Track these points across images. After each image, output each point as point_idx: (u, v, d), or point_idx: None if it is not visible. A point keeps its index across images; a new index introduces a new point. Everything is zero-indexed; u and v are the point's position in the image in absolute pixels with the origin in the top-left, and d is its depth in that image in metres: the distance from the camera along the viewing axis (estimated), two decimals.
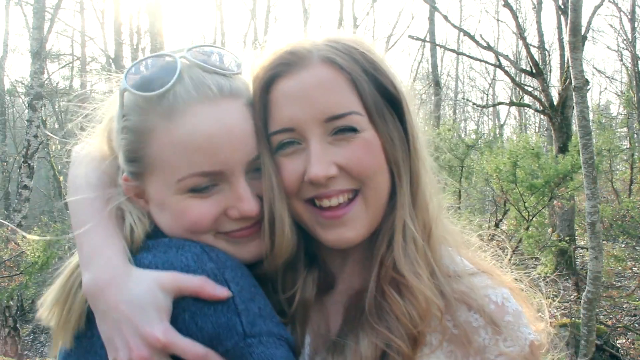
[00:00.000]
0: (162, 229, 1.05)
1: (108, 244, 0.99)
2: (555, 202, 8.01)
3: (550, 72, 16.91)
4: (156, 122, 0.97)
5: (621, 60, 19.48)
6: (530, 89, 12.21)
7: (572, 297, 8.61)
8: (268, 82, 1.02)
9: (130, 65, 1.03)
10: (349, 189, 1.01)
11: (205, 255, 0.94)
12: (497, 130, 22.84)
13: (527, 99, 14.57)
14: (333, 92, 0.98)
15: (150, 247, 0.99)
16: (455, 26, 11.14)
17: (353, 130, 0.99)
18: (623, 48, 18.97)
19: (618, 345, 6.90)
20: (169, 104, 0.97)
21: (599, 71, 23.35)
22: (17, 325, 8.78)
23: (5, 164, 16.01)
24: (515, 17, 10.67)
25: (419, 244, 1.01)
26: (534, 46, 12.65)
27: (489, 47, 10.14)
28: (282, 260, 1.04)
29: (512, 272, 1.15)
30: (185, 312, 0.90)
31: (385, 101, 1.02)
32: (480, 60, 12.63)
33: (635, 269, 10.58)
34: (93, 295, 0.94)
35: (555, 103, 9.90)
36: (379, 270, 1.01)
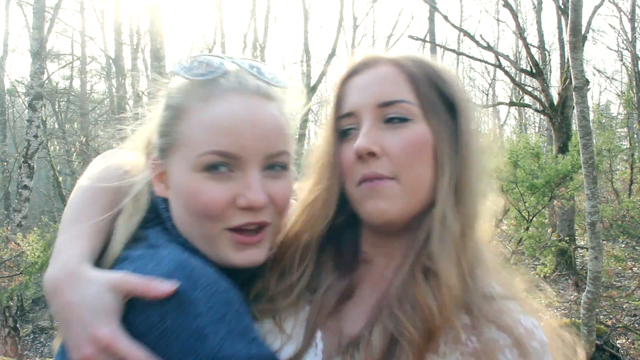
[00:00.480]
0: (175, 222, 1.07)
1: (72, 243, 1.02)
2: (555, 202, 8.01)
3: (550, 72, 16.92)
4: (194, 103, 1.04)
5: (621, 60, 19.49)
6: (530, 89, 12.21)
7: (572, 297, 8.61)
8: (345, 78, 1.15)
9: (184, 58, 1.12)
10: (385, 175, 1.05)
11: (179, 272, 0.93)
12: (497, 131, 22.84)
13: (527, 99, 14.57)
14: (390, 84, 1.08)
15: (129, 257, 1.00)
16: (455, 26, 11.14)
17: (404, 120, 1.06)
18: (623, 48, 18.98)
19: (618, 345, 6.89)
20: (209, 90, 1.04)
21: (599, 71, 23.34)
22: (17, 325, 8.78)
23: (5, 164, 16.01)
24: (515, 17, 10.67)
25: (457, 239, 1.02)
26: (534, 46, 12.65)
27: (489, 47, 10.14)
28: (317, 232, 1.11)
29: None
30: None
31: (441, 101, 1.08)
32: (480, 60, 12.63)
33: (635, 269, 10.58)
34: (49, 293, 0.97)
35: (555, 103, 9.90)
36: (414, 259, 1.03)
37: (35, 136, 9.19)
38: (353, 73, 1.14)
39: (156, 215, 1.11)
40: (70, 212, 1.11)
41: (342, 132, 1.12)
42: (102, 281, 0.93)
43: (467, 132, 1.09)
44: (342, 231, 1.17)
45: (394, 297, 1.01)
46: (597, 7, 11.10)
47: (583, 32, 6.75)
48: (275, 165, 1.06)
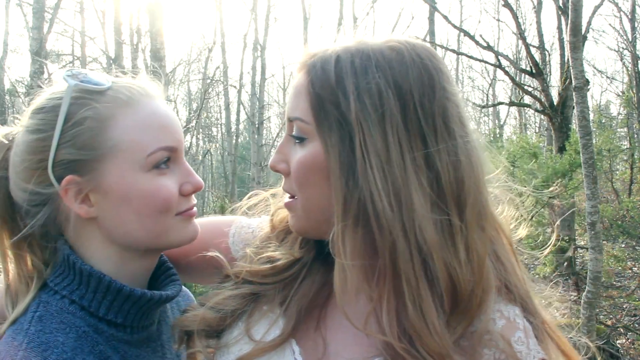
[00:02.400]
0: (122, 235, 1.06)
1: None
2: (555, 201, 8.01)
3: (550, 72, 16.90)
4: (115, 110, 1.05)
5: (621, 60, 19.49)
6: (530, 89, 12.20)
7: (572, 297, 8.61)
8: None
9: (65, 73, 1.08)
10: (290, 192, 1.07)
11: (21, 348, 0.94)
12: (497, 131, 22.83)
13: (527, 99, 14.57)
14: (297, 98, 1.03)
15: (6, 333, 1.01)
16: (455, 26, 11.14)
17: (300, 139, 1.02)
18: (623, 48, 18.97)
19: (618, 345, 6.89)
20: (126, 96, 1.07)
21: (599, 71, 23.33)
22: None
23: None
24: (515, 17, 10.67)
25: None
26: (534, 46, 12.64)
27: (489, 47, 10.14)
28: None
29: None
30: None
31: (340, 116, 0.96)
32: (480, 60, 12.62)
33: (635, 269, 10.58)
34: None
35: (555, 103, 9.90)
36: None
37: None
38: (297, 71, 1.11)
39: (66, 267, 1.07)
40: None
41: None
42: None
43: (364, 146, 0.93)
44: None
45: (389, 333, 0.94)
46: (597, 7, 11.10)
47: (583, 32, 6.75)
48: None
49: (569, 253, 8.93)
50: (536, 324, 1.03)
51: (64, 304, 1.02)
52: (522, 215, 1.18)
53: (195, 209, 1.15)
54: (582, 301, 5.27)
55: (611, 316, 7.96)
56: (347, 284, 0.96)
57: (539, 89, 11.27)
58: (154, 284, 1.18)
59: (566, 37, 5.56)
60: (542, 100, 10.15)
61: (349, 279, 0.96)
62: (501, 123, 28.61)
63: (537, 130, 25.79)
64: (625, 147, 16.48)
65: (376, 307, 0.96)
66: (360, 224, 0.95)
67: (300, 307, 1.06)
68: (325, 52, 1.03)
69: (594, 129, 13.35)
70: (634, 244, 11.96)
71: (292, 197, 1.07)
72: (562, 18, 10.25)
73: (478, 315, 0.96)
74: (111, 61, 16.51)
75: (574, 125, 7.30)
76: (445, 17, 10.50)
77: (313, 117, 0.99)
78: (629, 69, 16.84)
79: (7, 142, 1.11)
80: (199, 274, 1.32)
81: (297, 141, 1.03)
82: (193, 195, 1.14)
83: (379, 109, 0.94)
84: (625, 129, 17.67)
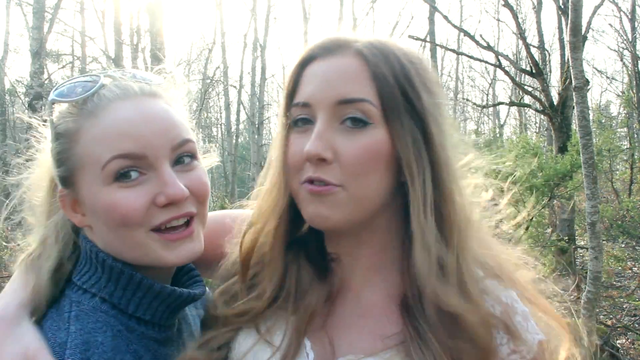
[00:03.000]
0: (106, 246, 1.05)
1: (14, 290, 1.04)
2: (555, 201, 8.01)
3: (550, 72, 16.89)
4: (82, 122, 1.02)
5: (621, 60, 19.47)
6: (530, 89, 12.20)
7: (572, 297, 8.60)
8: (306, 61, 1.05)
9: (59, 83, 1.10)
10: (331, 182, 0.99)
11: (79, 355, 0.93)
12: (497, 131, 22.82)
13: (527, 99, 14.57)
14: (352, 80, 0.99)
15: (45, 325, 1.01)
16: (455, 26, 11.14)
17: (363, 122, 0.98)
18: (623, 48, 18.96)
19: (618, 345, 6.89)
20: (93, 105, 1.02)
21: (599, 71, 23.33)
22: None
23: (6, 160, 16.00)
24: (515, 17, 10.67)
25: (445, 257, 0.99)
26: (534, 46, 12.64)
27: (489, 47, 10.13)
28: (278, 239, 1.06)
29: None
30: None
31: (406, 103, 1.00)
32: (480, 60, 12.61)
33: (635, 269, 10.57)
34: None
35: (555, 103, 9.90)
36: (410, 282, 1.02)
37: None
38: (314, 57, 1.04)
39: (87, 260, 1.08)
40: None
41: (294, 121, 1.04)
42: (23, 344, 0.93)
43: (437, 134, 1.01)
44: (305, 230, 1.12)
45: (435, 328, 0.96)
46: (597, 7, 11.09)
47: (583, 32, 6.74)
48: (184, 156, 1.05)
49: (569, 253, 8.93)
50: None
51: (96, 303, 1.02)
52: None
53: (182, 232, 1.02)
54: (582, 301, 5.27)
55: (611, 316, 7.96)
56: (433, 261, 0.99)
57: (539, 89, 11.26)
58: (175, 285, 1.15)
59: (566, 37, 5.55)
60: (542, 100, 10.15)
61: (433, 254, 0.99)
62: (501, 123, 28.60)
63: (537, 130, 25.79)
64: (625, 147, 16.47)
65: (439, 268, 0.99)
66: (431, 207, 1.01)
67: (305, 314, 1.05)
68: (366, 40, 1.04)
69: (594, 129, 13.34)
70: (634, 244, 11.95)
71: (329, 185, 0.98)
72: (562, 18, 10.24)
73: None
74: (111, 61, 16.50)
75: (574, 125, 7.30)
76: (445, 17, 10.50)
77: (380, 102, 0.98)
78: (629, 68, 16.83)
79: None
80: (210, 271, 1.28)
81: (354, 126, 0.98)
82: (185, 207, 1.02)
83: (438, 104, 1.04)
84: (625, 129, 17.66)
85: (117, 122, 1.00)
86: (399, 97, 0.99)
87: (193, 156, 1.07)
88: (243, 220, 1.17)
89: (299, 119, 1.03)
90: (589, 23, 10.58)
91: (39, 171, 1.15)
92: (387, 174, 1.00)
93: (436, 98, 1.04)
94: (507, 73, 11.01)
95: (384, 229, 1.06)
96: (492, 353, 0.96)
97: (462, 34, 11.55)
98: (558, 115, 9.76)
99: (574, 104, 5.16)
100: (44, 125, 1.12)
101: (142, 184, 1.00)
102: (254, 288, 1.10)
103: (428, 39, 15.95)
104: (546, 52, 14.42)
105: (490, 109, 27.98)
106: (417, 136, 0.99)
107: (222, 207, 14.21)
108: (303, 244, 1.12)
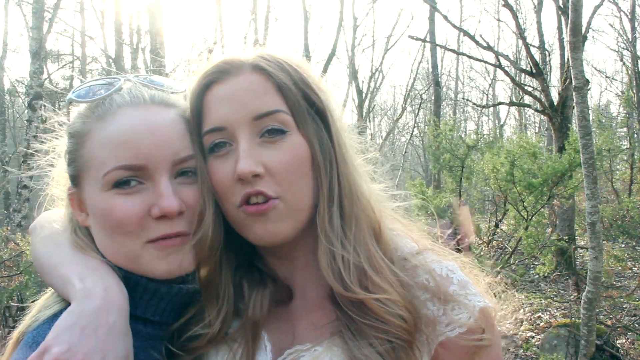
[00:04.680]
0: (102, 250, 1.06)
1: (99, 275, 1.01)
2: (555, 201, 8.01)
3: (550, 72, 16.90)
4: (92, 125, 1.04)
5: (621, 60, 19.47)
6: (530, 89, 12.20)
7: (572, 297, 8.61)
8: (204, 88, 1.08)
9: (81, 83, 1.12)
10: (271, 196, 1.01)
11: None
12: (497, 131, 22.83)
13: (527, 99, 14.57)
14: (261, 94, 1.03)
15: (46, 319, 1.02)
16: (455, 26, 11.14)
17: (281, 132, 1.02)
18: (623, 48, 18.97)
19: (618, 345, 6.89)
20: (104, 109, 1.04)
21: (599, 71, 23.34)
22: (17, 325, 8.76)
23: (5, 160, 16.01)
24: (515, 17, 10.67)
25: (347, 253, 1.04)
26: (534, 46, 12.65)
27: (489, 47, 10.14)
28: (205, 256, 1.05)
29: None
30: None
31: (310, 109, 1.07)
32: (480, 60, 12.62)
33: (635, 269, 10.58)
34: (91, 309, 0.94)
35: (555, 103, 9.90)
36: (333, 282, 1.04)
37: (35, 136, 9.20)
38: (212, 82, 1.07)
39: None
40: (52, 253, 1.09)
41: (210, 148, 1.05)
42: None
43: (338, 135, 1.09)
44: (240, 246, 1.12)
45: (359, 322, 1.00)
46: (597, 7, 11.08)
47: (583, 32, 6.74)
48: (187, 171, 1.05)
49: (569, 253, 8.94)
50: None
51: None
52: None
53: (174, 239, 1.02)
54: (582, 301, 5.27)
55: (611, 316, 7.96)
56: (340, 260, 1.04)
57: (539, 89, 11.27)
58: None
59: (566, 37, 5.56)
60: (542, 100, 10.15)
61: (339, 254, 1.03)
62: (501, 123, 28.62)
63: (537, 130, 25.80)
64: (625, 147, 16.48)
65: (341, 269, 1.03)
66: (337, 205, 1.06)
67: (254, 326, 1.08)
68: (256, 56, 1.10)
69: (594, 129, 13.34)
70: (634, 244, 11.96)
71: (265, 201, 1.01)
72: (562, 18, 10.25)
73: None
74: (111, 61, 16.50)
75: (574, 125, 7.30)
76: (445, 17, 10.50)
77: (289, 109, 1.05)
78: (629, 68, 16.83)
79: None
80: None
81: (273, 137, 1.02)
82: (178, 226, 1.01)
83: (333, 101, 1.12)
84: (625, 129, 17.66)
85: (122, 130, 1.01)
86: (302, 102, 1.06)
87: (194, 172, 1.06)
88: None
89: (215, 145, 1.05)
90: (589, 23, 10.57)
91: (60, 166, 1.18)
92: (312, 177, 1.05)
93: (330, 98, 1.12)
94: (507, 73, 11.02)
95: (313, 229, 1.08)
96: (412, 329, 0.98)
97: (462, 34, 11.55)
98: (558, 115, 9.76)
99: (574, 104, 5.17)
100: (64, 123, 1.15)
101: (139, 192, 1.01)
102: (202, 315, 1.11)
103: (428, 39, 15.95)
104: (546, 52, 14.43)
105: (490, 109, 28.00)
106: (323, 135, 1.07)
107: None
108: (239, 258, 1.14)
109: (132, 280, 1.04)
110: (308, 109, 1.06)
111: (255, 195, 1.00)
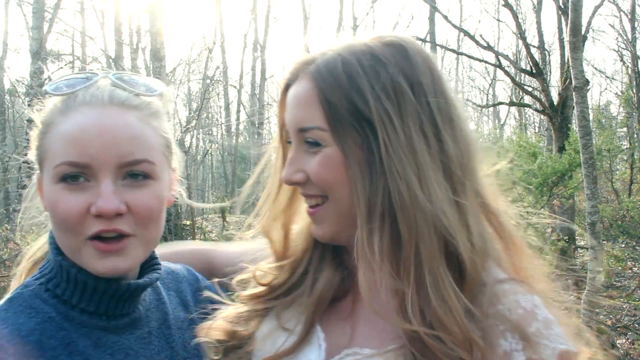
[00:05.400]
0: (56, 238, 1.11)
1: None
2: (555, 201, 8.01)
3: (550, 72, 16.91)
4: (56, 118, 1.08)
5: (621, 60, 19.48)
6: (530, 89, 12.21)
7: (572, 297, 8.57)
8: (285, 88, 1.12)
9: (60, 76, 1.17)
10: (316, 194, 1.06)
11: None
12: (497, 131, 22.83)
13: (527, 99, 14.57)
14: (304, 106, 1.05)
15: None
16: (455, 26, 11.16)
17: (317, 144, 1.04)
18: (623, 48, 18.97)
19: (618, 345, 6.89)
20: (67, 104, 1.08)
21: (599, 71, 23.34)
22: None
23: (6, 161, 16.01)
24: (515, 17, 10.68)
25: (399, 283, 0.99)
26: (534, 46, 12.65)
27: (489, 47, 10.14)
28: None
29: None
30: None
31: (355, 117, 1.01)
32: (480, 60, 12.63)
33: (635, 269, 10.58)
34: None
35: (555, 103, 9.91)
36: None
37: None
38: (289, 85, 1.11)
39: None
40: None
41: (287, 141, 1.14)
42: None
43: (388, 142, 0.98)
44: None
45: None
46: (597, 7, 11.10)
47: (583, 32, 6.74)
48: (136, 174, 1.06)
49: (569, 253, 8.93)
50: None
51: (40, 290, 1.09)
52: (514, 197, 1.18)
53: (111, 244, 1.04)
54: (582, 301, 5.27)
55: (611, 316, 7.96)
56: (377, 283, 1.00)
57: (539, 89, 11.27)
58: (141, 272, 1.19)
59: (566, 37, 5.55)
60: (542, 100, 10.16)
61: (378, 277, 1.00)
62: (501, 123, 28.64)
63: (537, 130, 25.79)
64: (625, 147, 16.48)
65: (402, 299, 0.98)
66: (386, 223, 0.99)
67: (318, 300, 1.11)
68: (324, 56, 1.06)
69: (594, 129, 13.34)
70: (634, 244, 11.95)
71: (316, 205, 1.07)
72: (562, 18, 10.25)
73: (477, 284, 0.98)
74: (111, 61, 16.51)
75: (574, 125, 7.30)
76: (445, 17, 10.51)
77: (328, 123, 1.02)
78: (629, 68, 16.84)
79: None
80: None
81: (311, 148, 1.05)
82: (116, 224, 1.03)
83: (397, 103, 0.99)
84: (625, 129, 17.67)
85: (75, 127, 1.05)
86: (346, 113, 1.01)
87: (147, 176, 1.07)
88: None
89: (289, 141, 1.12)
90: (589, 23, 10.59)
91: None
92: (353, 186, 1.02)
93: (399, 99, 1.00)
94: (507, 73, 11.03)
95: None
96: None
97: (462, 34, 11.55)
98: (558, 115, 9.77)
99: (574, 104, 5.16)
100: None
101: (84, 189, 1.04)
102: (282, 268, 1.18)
103: (428, 39, 15.95)
104: (546, 52, 14.42)
105: (490, 109, 28.02)
106: (364, 148, 1.00)
107: (222, 208, 14.17)
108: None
109: (64, 269, 1.08)
110: (350, 118, 1.01)
111: (309, 197, 1.08)
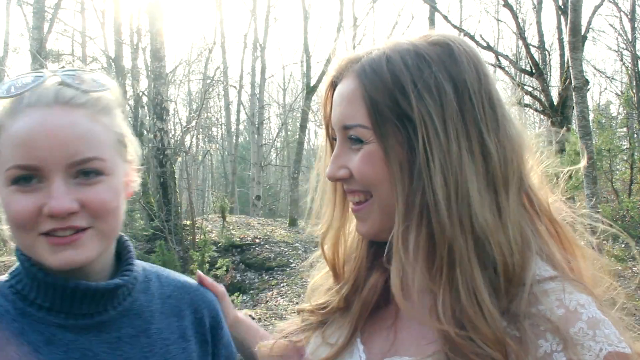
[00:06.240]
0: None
1: None
2: None
3: (550, 72, 16.90)
4: (5, 121, 1.09)
5: (621, 60, 19.48)
6: (530, 89, 12.21)
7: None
8: (329, 85, 1.14)
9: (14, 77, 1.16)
10: (358, 190, 1.07)
11: None
12: None
13: (527, 99, 14.58)
14: (349, 104, 1.06)
15: None
16: (455, 26, 11.16)
17: (360, 141, 1.05)
18: (623, 48, 18.97)
19: None
20: (14, 106, 1.08)
21: (599, 71, 23.34)
22: None
23: None
24: (515, 17, 10.69)
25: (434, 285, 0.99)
26: (534, 46, 12.65)
27: (489, 47, 10.15)
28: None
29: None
30: None
31: (397, 115, 1.01)
32: None
33: (635, 269, 10.58)
34: None
35: (555, 103, 9.91)
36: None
37: None
38: (334, 82, 1.13)
39: None
40: None
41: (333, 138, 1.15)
42: None
43: (427, 142, 0.97)
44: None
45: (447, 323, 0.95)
46: (597, 7, 11.11)
47: (583, 32, 6.75)
48: (88, 171, 1.07)
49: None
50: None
51: (4, 287, 1.13)
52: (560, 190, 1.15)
53: (69, 237, 1.05)
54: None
55: None
56: (410, 282, 1.01)
57: (539, 89, 11.28)
58: (114, 273, 1.19)
59: (566, 37, 5.56)
60: (542, 100, 10.16)
61: (410, 277, 1.00)
62: None
63: (536, 130, 25.74)
64: (625, 147, 16.48)
65: (434, 299, 0.98)
66: (423, 222, 0.99)
67: (361, 308, 1.11)
68: (370, 55, 1.06)
69: (594, 129, 13.34)
70: (634, 244, 11.93)
71: (359, 202, 1.07)
72: (562, 18, 10.25)
73: (519, 287, 0.95)
74: (111, 61, 16.51)
75: (574, 125, 7.30)
76: (445, 17, 10.52)
77: (371, 122, 1.03)
78: (629, 68, 16.84)
79: None
80: None
81: (354, 145, 1.06)
82: (71, 221, 1.05)
83: (440, 102, 0.99)
84: (625, 129, 17.66)
85: (21, 130, 1.05)
86: (388, 112, 1.02)
87: (99, 172, 1.08)
88: None
89: (334, 138, 1.14)
90: (589, 23, 10.59)
91: None
92: (389, 183, 1.03)
93: (442, 98, 0.99)
94: (507, 73, 11.05)
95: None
96: None
97: (462, 34, 11.55)
98: (558, 115, 9.77)
99: (574, 104, 5.16)
100: None
101: (36, 191, 1.05)
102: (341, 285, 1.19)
103: None
104: (546, 52, 14.42)
105: None
106: (405, 147, 1.00)
107: (222, 208, 14.18)
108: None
109: (32, 269, 1.10)
110: (393, 117, 1.01)
111: (352, 194, 1.09)
